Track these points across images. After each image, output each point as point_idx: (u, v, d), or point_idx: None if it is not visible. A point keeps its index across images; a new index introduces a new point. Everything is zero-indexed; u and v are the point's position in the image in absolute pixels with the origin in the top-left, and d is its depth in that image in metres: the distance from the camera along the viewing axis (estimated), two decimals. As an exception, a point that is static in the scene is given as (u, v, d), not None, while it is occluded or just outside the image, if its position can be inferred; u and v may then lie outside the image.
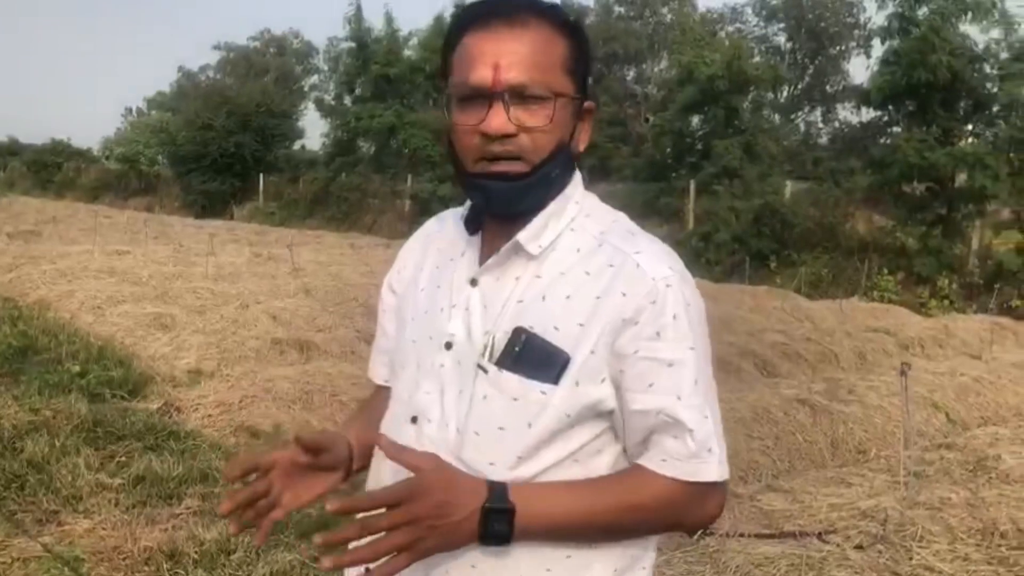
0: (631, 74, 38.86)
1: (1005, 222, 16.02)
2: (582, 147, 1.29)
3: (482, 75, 1.18)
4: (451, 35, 1.26)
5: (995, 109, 16.13)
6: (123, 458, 4.55)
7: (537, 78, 1.19)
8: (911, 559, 3.54)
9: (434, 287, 1.34)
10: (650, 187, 20.13)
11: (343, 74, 29.97)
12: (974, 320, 11.91)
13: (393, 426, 1.32)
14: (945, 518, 3.94)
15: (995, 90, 15.93)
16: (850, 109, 33.53)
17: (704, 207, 18.66)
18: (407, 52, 27.68)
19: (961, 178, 15.77)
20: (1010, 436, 5.71)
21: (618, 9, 38.58)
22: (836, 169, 22.18)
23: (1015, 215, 15.60)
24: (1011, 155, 15.29)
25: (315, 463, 1.34)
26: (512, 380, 1.20)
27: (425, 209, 23.86)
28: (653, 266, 1.21)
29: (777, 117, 28.01)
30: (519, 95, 1.18)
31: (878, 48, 17.54)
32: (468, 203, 1.33)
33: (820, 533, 3.72)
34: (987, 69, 16.10)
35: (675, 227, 18.96)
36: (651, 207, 19.54)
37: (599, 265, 1.22)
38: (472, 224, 1.32)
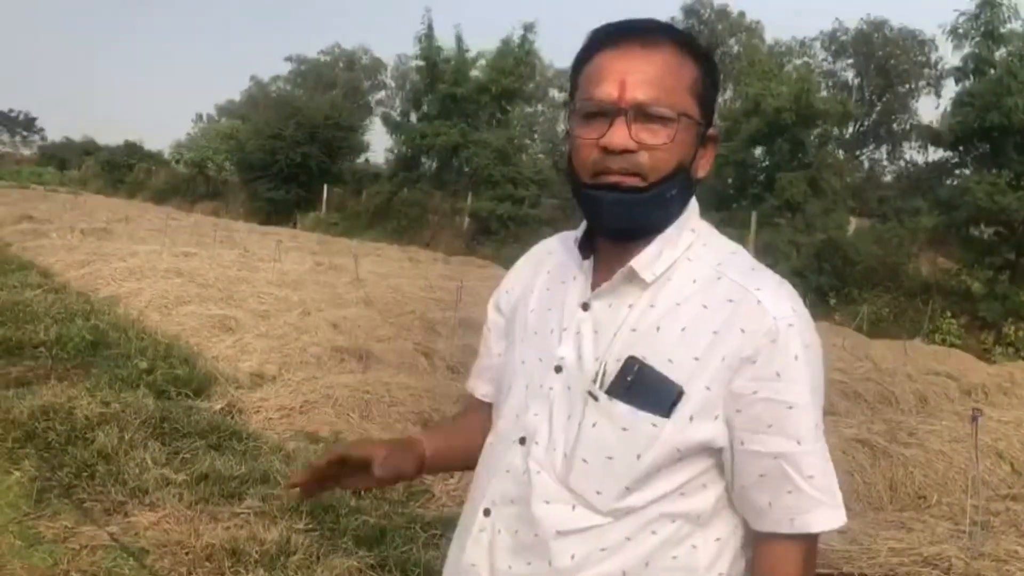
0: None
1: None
2: (702, 173, 1.28)
3: (608, 91, 1.20)
4: (584, 52, 1.26)
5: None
6: (187, 455, 4.65)
7: (662, 98, 1.19)
8: (974, 610, 3.46)
9: (545, 309, 1.35)
10: (711, 216, 19.75)
11: (411, 91, 30.41)
12: (1042, 369, 11.58)
13: (500, 446, 1.34)
14: (1012, 571, 3.84)
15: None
16: (917, 148, 33.02)
17: (765, 240, 18.46)
18: (474, 72, 27.97)
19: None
20: (1079, 491, 5.55)
21: (686, 38, 38.50)
22: (901, 208, 21.82)
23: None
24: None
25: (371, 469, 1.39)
26: (623, 410, 1.20)
27: (484, 227, 24.06)
28: (774, 304, 1.19)
29: (842, 153, 27.67)
30: (643, 113, 1.19)
31: (949, 88, 17.25)
32: (582, 226, 1.34)
33: (880, 577, 3.65)
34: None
35: (734, 258, 18.77)
36: (711, 237, 19.39)
37: (718, 299, 1.20)
38: (586, 247, 1.32)
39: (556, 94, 43.18)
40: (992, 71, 15.74)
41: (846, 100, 25.25)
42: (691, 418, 1.18)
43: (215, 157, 35.28)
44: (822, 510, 1.19)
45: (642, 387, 1.19)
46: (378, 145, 76.09)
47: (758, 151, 20.50)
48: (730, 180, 21.03)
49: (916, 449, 6.41)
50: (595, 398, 1.22)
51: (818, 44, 36.69)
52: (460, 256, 21.67)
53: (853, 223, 18.37)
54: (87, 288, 9.99)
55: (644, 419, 1.18)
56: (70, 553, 3.53)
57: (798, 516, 1.18)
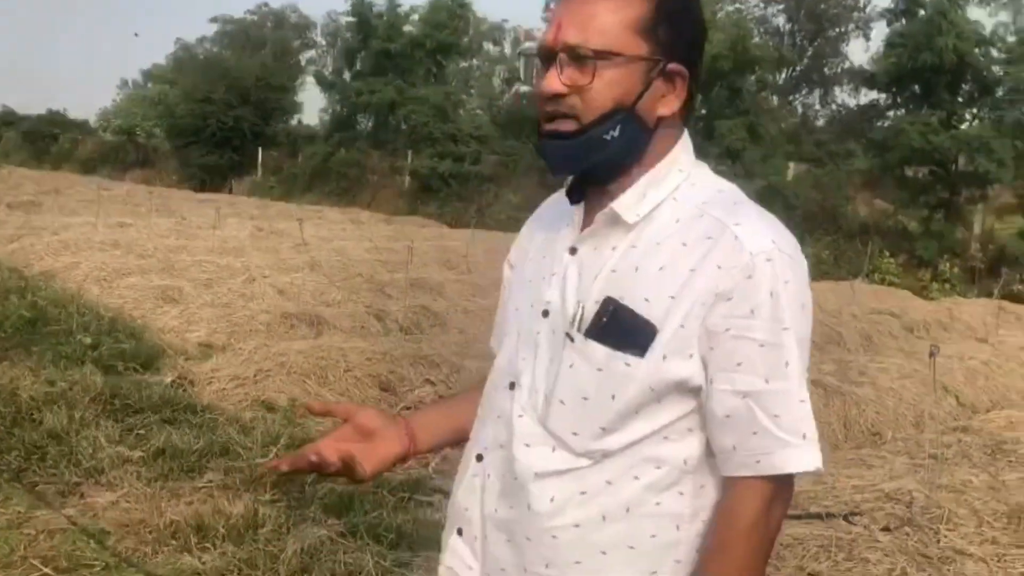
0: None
1: (1008, 206, 16.03)
2: (665, 110, 1.22)
3: (547, 36, 1.21)
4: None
5: (1000, 93, 16.09)
6: (142, 431, 4.53)
7: (591, 38, 1.17)
8: (939, 542, 3.55)
9: (540, 256, 1.34)
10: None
11: (343, 49, 29.75)
12: (978, 304, 11.94)
13: (494, 392, 1.34)
14: (969, 501, 3.95)
15: (1001, 74, 15.87)
16: (849, 92, 33.42)
17: (706, 187, 18.64)
18: (407, 27, 27.46)
19: (964, 162, 15.76)
20: (1023, 420, 5.73)
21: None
22: (835, 152, 22.15)
23: (1019, 199, 15.61)
24: (1016, 140, 15.27)
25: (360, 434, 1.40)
26: (598, 350, 1.19)
27: (425, 186, 23.81)
28: (752, 239, 1.15)
29: (775, 99, 27.91)
30: (574, 55, 1.18)
31: (879, 30, 17.45)
32: None
33: (847, 515, 3.72)
34: (993, 53, 16.04)
35: (677, 207, 18.93)
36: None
37: (697, 236, 1.17)
38: (574, 193, 1.30)
39: (491, 48, 42.68)
40: (922, 12, 15.92)
41: (780, 46, 25.41)
42: (664, 356, 1.16)
43: (144, 124, 34.23)
44: (789, 451, 1.15)
45: (617, 327, 1.18)
46: (311, 106, 74.68)
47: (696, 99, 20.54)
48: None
49: (867, 388, 6.57)
50: (572, 339, 1.21)
51: (749, -10, 36.67)
52: (403, 216, 21.43)
53: (792, 168, 18.59)
54: (19, 264, 9.62)
55: (619, 359, 1.17)
56: (26, 539, 3.40)
57: (763, 457, 1.15)
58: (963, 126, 16.25)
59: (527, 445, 1.24)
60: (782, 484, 1.18)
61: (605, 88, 1.18)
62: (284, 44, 46.62)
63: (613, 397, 1.18)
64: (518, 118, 28.60)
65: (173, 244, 11.34)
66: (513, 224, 20.88)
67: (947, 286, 14.41)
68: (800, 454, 1.16)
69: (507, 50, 41.98)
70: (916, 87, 16.64)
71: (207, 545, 3.36)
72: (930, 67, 15.33)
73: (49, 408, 4.50)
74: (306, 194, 25.60)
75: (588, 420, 1.19)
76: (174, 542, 3.42)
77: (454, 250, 13.24)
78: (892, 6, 16.92)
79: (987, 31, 15.96)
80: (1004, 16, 15.75)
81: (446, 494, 4.23)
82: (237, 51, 39.76)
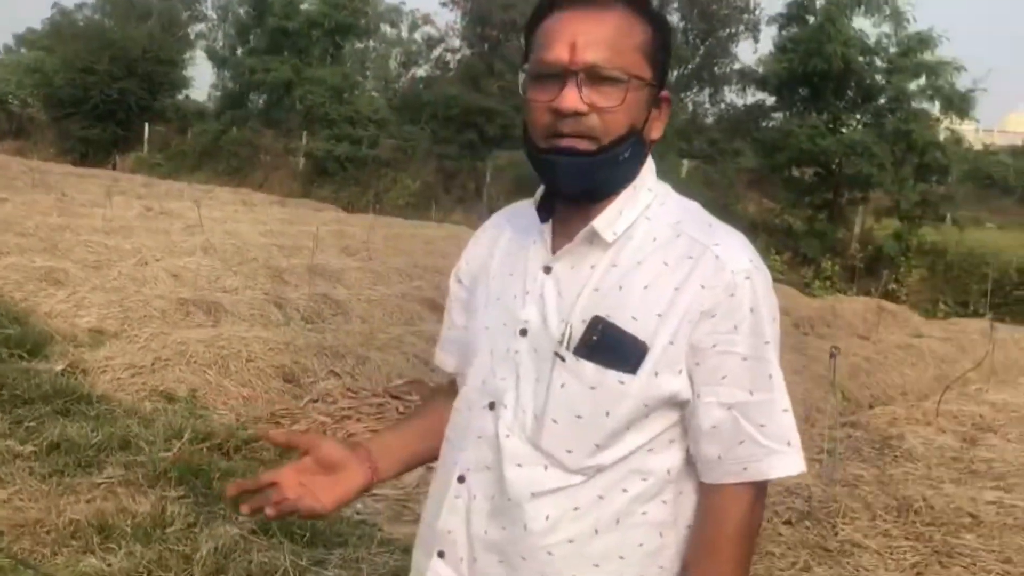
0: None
1: (885, 209, 16.87)
2: (655, 135, 1.29)
3: (559, 53, 1.20)
4: (535, 15, 1.26)
5: (882, 101, 16.89)
6: (32, 423, 4.30)
7: (613, 59, 1.19)
8: (836, 535, 3.72)
9: (506, 274, 1.34)
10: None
11: (237, 24, 28.81)
12: (859, 301, 12.53)
13: (469, 412, 1.33)
14: (862, 495, 4.15)
15: (883, 82, 16.66)
16: (737, 91, 34.39)
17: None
18: (305, 6, 26.78)
19: (846, 165, 16.49)
20: (906, 416, 6.06)
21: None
22: (724, 149, 22.80)
23: (895, 203, 16.45)
24: (894, 146, 16.08)
25: (322, 467, 1.37)
26: (590, 368, 1.21)
27: (320, 168, 23.35)
28: (732, 259, 1.21)
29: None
30: (594, 75, 1.19)
31: (766, 33, 18.06)
32: (540, 189, 1.33)
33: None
34: (877, 62, 16.82)
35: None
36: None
37: (677, 256, 1.22)
38: (544, 210, 1.31)
39: (388, 29, 42.10)
40: (812, 19, 16.55)
41: (681, 45, 25.96)
42: (656, 373, 1.20)
43: (18, 91, 32.32)
44: (775, 458, 1.22)
45: (608, 345, 1.21)
46: (199, 81, 72.03)
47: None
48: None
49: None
50: (562, 359, 1.23)
51: (647, -13, 37.27)
52: (296, 198, 20.96)
53: (685, 165, 19.05)
54: None
55: (611, 377, 1.20)
56: (-90, 541, 3.19)
57: (751, 464, 1.21)
58: (845, 130, 16.99)
59: (519, 465, 1.25)
60: (762, 488, 1.26)
61: (624, 111, 1.20)
62: (172, 15, 44.83)
63: (607, 414, 1.20)
64: (415, 103, 28.36)
65: (55, 222, 10.77)
66: (411, 211, 20.79)
67: (828, 283, 15.08)
68: (785, 460, 1.23)
69: (404, 33, 41.48)
70: (804, 90, 17.29)
71: (111, 545, 3.21)
72: (819, 72, 15.97)
73: (-72, 399, 4.23)
74: (195, 172, 24.73)
75: (582, 437, 1.22)
76: (75, 542, 3.26)
77: (352, 236, 13.05)
78: (784, 11, 17.47)
79: (871, 41, 16.72)
80: (886, 27, 16.50)
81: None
82: (121, 20, 37.97)
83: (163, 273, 8.41)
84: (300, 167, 24.09)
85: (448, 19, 66.80)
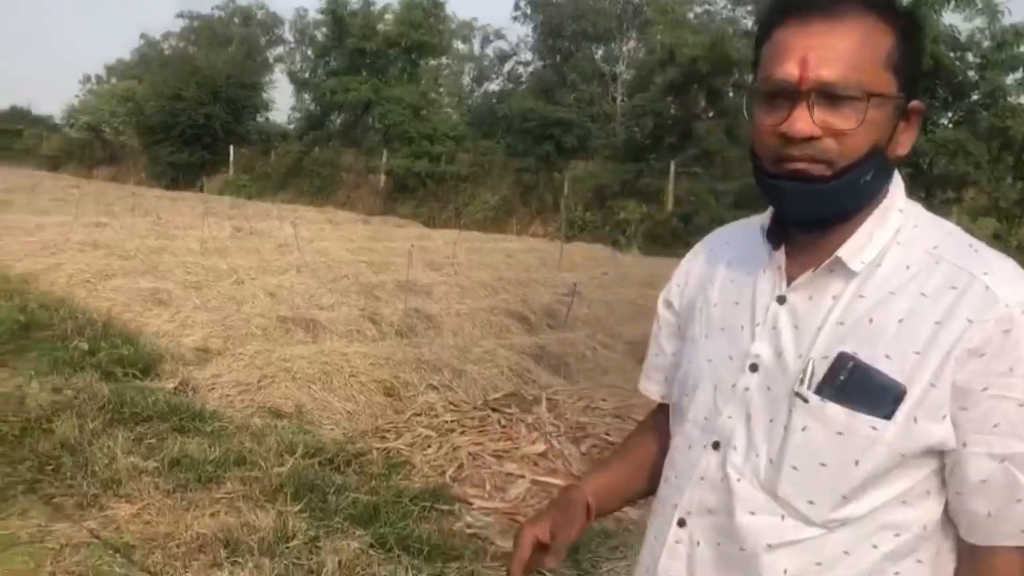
0: (599, 53, 38.75)
1: (982, 208, 16.29)
2: (902, 151, 1.15)
3: (788, 70, 1.08)
4: (764, 27, 1.15)
5: (975, 97, 16.34)
6: (153, 440, 4.42)
7: (850, 76, 1.07)
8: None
9: (731, 303, 1.25)
10: (629, 167, 20.10)
11: (318, 46, 29.50)
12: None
13: (690, 451, 1.25)
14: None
15: (977, 78, 16.12)
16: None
17: (684, 189, 18.73)
18: (381, 26, 27.28)
19: (940, 164, 15.98)
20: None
21: (588, -13, 38.38)
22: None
23: (993, 202, 15.87)
24: (990, 143, 15.53)
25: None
26: (838, 412, 1.09)
27: (401, 185, 23.69)
28: (1005, 289, 1.06)
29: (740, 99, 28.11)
30: (828, 95, 1.07)
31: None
32: (768, 212, 1.24)
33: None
34: (969, 57, 16.28)
35: (654, 208, 19.01)
36: (630, 187, 19.56)
37: (937, 285, 1.09)
38: (775, 235, 1.20)
39: (460, 46, 42.58)
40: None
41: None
42: (915, 419, 1.06)
43: (111, 120, 33.66)
44: None
45: (857, 386, 1.08)
46: (280, 103, 73.95)
47: (674, 101, 20.62)
48: (649, 130, 21.16)
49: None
50: (804, 400, 1.11)
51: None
52: (379, 216, 21.31)
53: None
54: (-1, 266, 9.42)
55: (862, 422, 1.08)
56: (51, 553, 3.32)
57: None
58: (936, 129, 16.47)
59: (752, 513, 1.15)
60: None
61: (864, 131, 1.08)
62: (252, 41, 46.20)
63: (856, 463, 1.09)
64: (489, 117, 28.58)
65: (154, 244, 11.17)
66: (490, 225, 20.91)
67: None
68: None
69: (476, 49, 41.94)
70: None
71: (238, 559, 3.28)
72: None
73: (58, 417, 4.39)
74: (279, 193, 25.38)
75: (827, 487, 1.10)
76: (203, 556, 3.34)
77: (436, 251, 13.19)
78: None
79: (962, 36, 16.20)
80: (979, 22, 15.95)
81: (466, 502, 4.22)
82: (205, 47, 39.29)
83: (260, 292, 8.62)
84: (381, 185, 24.47)
85: (520, 32, 67.24)
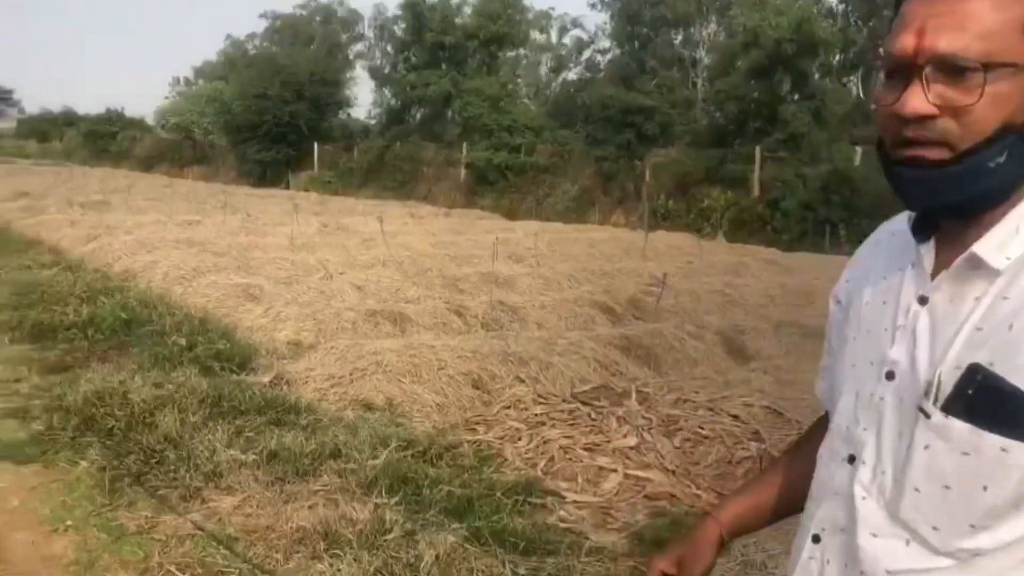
0: (679, 38, 38.17)
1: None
2: None
3: (903, 43, 0.99)
4: (896, 2, 1.06)
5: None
6: (251, 433, 4.52)
7: (975, 45, 0.95)
8: None
9: (879, 302, 1.14)
10: (712, 153, 19.74)
11: (398, 42, 29.81)
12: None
13: (831, 463, 1.17)
14: None
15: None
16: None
17: (770, 174, 18.30)
18: (460, 20, 27.40)
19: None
20: None
21: (666, -28, 37.83)
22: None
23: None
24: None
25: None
26: (962, 430, 0.98)
27: (482, 178, 23.78)
28: None
29: (828, 82, 27.38)
30: (947, 67, 0.96)
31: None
32: None
33: None
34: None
35: (740, 194, 18.63)
36: (714, 174, 19.21)
37: None
38: (921, 228, 1.09)
39: (537, 36, 42.49)
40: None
41: (845, 28, 24.86)
42: None
43: (200, 121, 34.67)
44: None
45: (987, 401, 0.96)
46: (360, 99, 75.02)
47: (758, 84, 20.15)
48: (719, 116, 20.74)
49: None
50: (926, 415, 1.00)
51: (802, -30, 35.93)
52: (460, 208, 21.44)
53: (860, 152, 18.17)
54: (100, 264, 9.78)
55: (991, 442, 0.96)
56: (158, 545, 3.42)
57: None
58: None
59: (874, 535, 1.07)
60: None
61: (991, 107, 0.96)
62: (333, 38, 47.00)
63: (985, 488, 0.97)
64: (567, 107, 28.45)
65: (245, 241, 11.45)
66: (571, 215, 20.84)
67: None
68: None
69: (553, 38, 41.81)
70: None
71: (337, 552, 3.32)
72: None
73: (161, 411, 4.53)
74: (362, 188, 25.77)
75: (952, 514, 1.00)
76: (303, 548, 3.40)
77: (517, 242, 13.17)
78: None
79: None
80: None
81: (559, 496, 4.19)
82: (286, 46, 40.12)
83: (348, 286, 8.75)
84: (462, 177, 24.61)
85: (597, 20, 66.67)
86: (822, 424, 1.32)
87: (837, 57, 32.66)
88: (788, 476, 1.36)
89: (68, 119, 45.25)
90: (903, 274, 1.11)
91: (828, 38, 19.11)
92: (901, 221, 1.18)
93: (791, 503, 1.33)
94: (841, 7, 38.39)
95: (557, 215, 20.81)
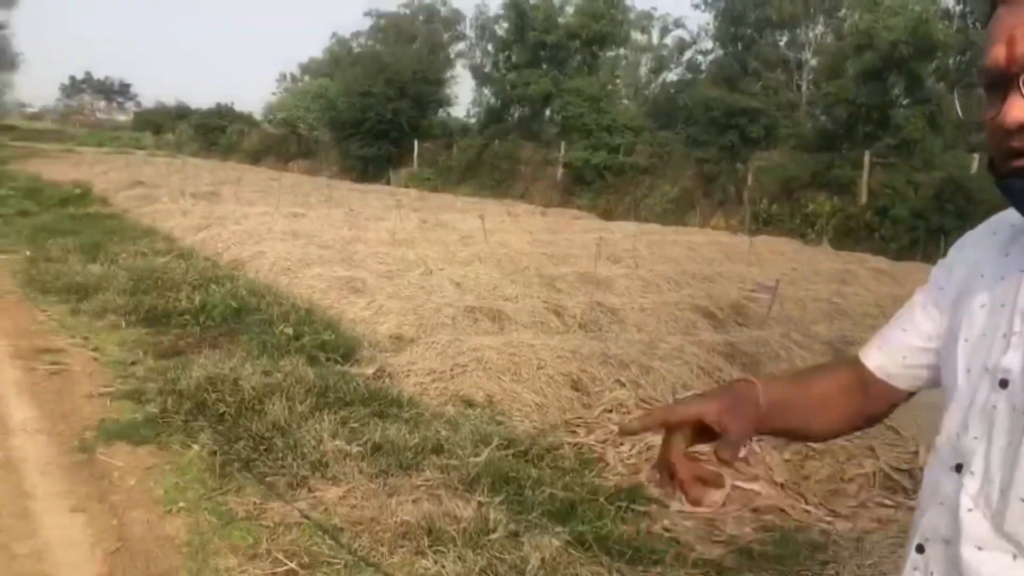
0: (784, 40, 37.24)
1: None
2: None
3: (995, 55, 0.97)
4: (984, 18, 1.06)
5: None
6: (355, 424, 4.56)
7: None
8: None
9: (997, 304, 1.09)
10: (818, 158, 19.16)
11: (499, 41, 29.96)
12: None
13: (937, 471, 1.12)
14: None
15: None
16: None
17: (880, 180, 17.67)
18: (562, 19, 27.36)
19: None
20: None
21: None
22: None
23: None
24: None
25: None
26: None
27: (578, 178, 23.68)
28: None
29: (943, 85, 26.27)
30: None
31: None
32: None
33: None
34: None
35: (846, 200, 18.05)
36: (820, 178, 18.66)
37: None
38: None
39: (638, 36, 42.10)
40: None
41: (963, 29, 23.81)
42: None
43: (305, 116, 35.57)
44: None
45: None
46: (460, 98, 75.82)
47: (869, 87, 19.46)
48: (826, 119, 20.10)
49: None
50: None
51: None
52: (556, 208, 21.40)
53: (977, 159, 17.37)
54: (210, 253, 10.09)
55: None
56: (266, 531, 3.47)
57: None
58: None
59: (979, 548, 1.02)
60: None
61: None
62: (435, 37, 47.58)
63: None
64: (667, 108, 28.08)
65: (347, 235, 11.65)
66: (669, 217, 20.57)
67: None
68: None
69: (655, 39, 41.37)
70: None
71: (441, 548, 3.31)
72: None
73: (269, 399, 4.61)
74: (460, 185, 26.00)
75: None
76: (407, 543, 3.39)
77: (615, 243, 13.04)
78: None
79: None
80: None
81: (663, 504, 4.09)
82: (390, 44, 40.77)
83: (447, 282, 8.79)
84: (559, 177, 24.56)
85: (700, 21, 65.69)
86: (853, 370, 1.27)
87: (954, 60, 31.39)
88: (814, 395, 1.28)
89: (180, 112, 47.06)
90: (1016, 280, 1.06)
91: (946, 40, 18.32)
92: (1014, 216, 1.11)
93: (811, 421, 1.28)
94: (959, 8, 36.88)
95: (655, 216, 20.57)
